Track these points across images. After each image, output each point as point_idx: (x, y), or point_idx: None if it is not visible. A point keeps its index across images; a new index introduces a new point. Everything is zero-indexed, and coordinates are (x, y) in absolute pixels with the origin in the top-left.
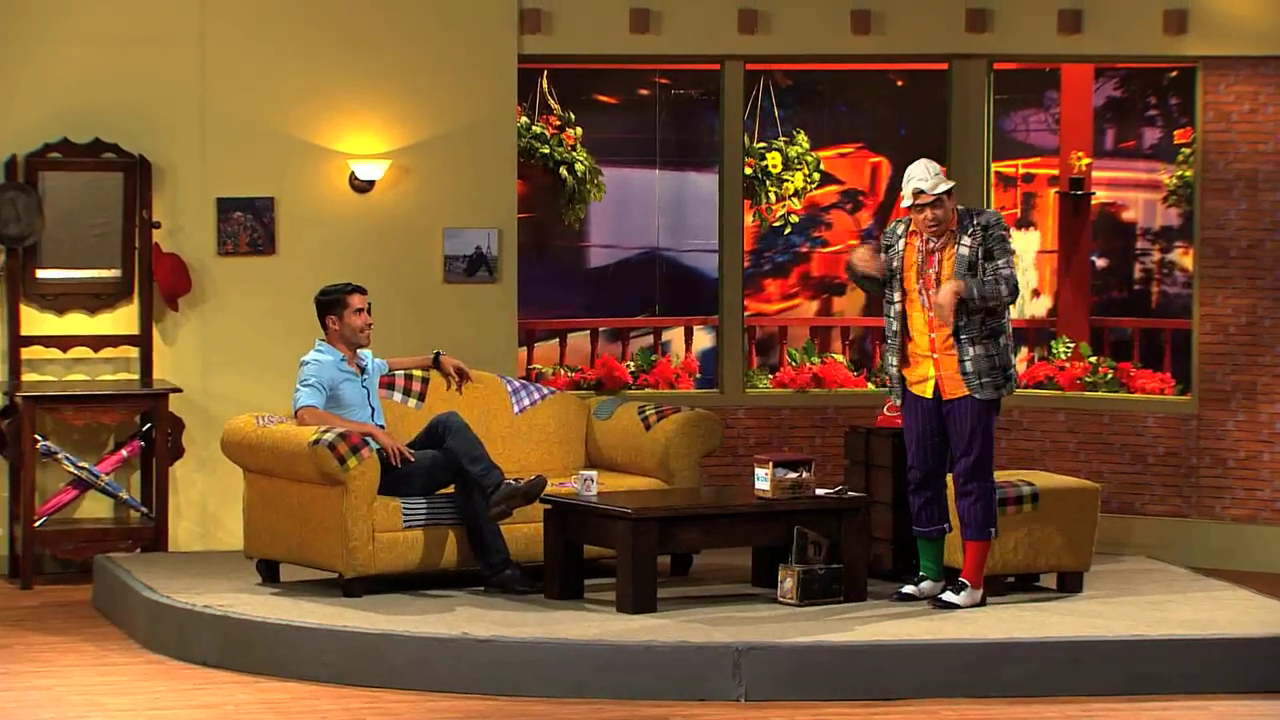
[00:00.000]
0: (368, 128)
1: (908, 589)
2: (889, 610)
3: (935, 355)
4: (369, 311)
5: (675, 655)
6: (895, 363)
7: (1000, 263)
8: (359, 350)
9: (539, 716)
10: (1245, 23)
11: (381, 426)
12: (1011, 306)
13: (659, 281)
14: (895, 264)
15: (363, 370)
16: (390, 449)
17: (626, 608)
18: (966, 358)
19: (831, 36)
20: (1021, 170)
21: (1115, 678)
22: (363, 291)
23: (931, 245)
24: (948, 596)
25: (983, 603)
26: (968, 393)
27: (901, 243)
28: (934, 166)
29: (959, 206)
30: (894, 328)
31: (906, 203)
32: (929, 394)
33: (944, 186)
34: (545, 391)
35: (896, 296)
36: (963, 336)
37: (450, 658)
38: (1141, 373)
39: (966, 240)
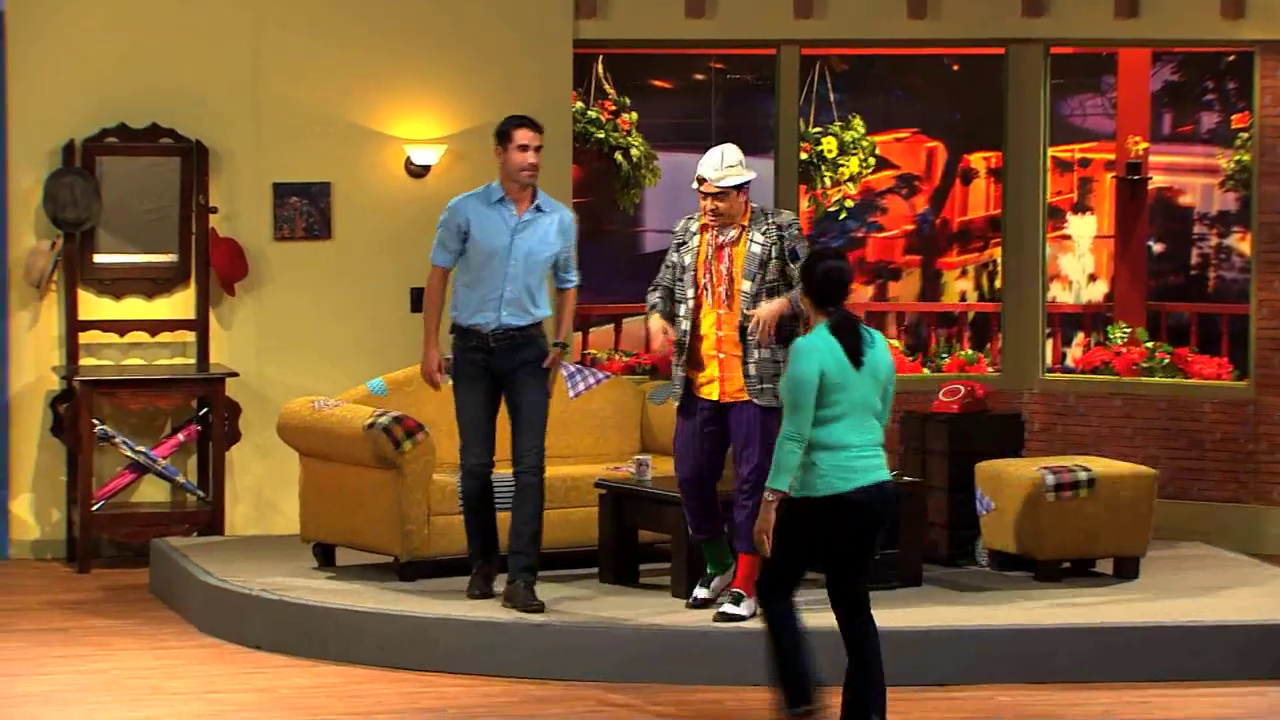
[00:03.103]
0: (424, 113)
1: (700, 592)
2: (943, 596)
3: (721, 355)
4: (536, 153)
5: (729, 640)
6: (681, 361)
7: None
8: (541, 198)
9: (592, 701)
10: None
11: (506, 279)
12: None
13: None
14: (688, 259)
15: (531, 209)
16: (426, 377)
17: (681, 592)
18: (751, 360)
19: (887, 21)
20: (1078, 155)
21: (1170, 664)
22: (535, 128)
23: (722, 240)
24: (729, 609)
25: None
26: (748, 398)
27: (695, 238)
28: (733, 156)
29: (756, 204)
30: (684, 326)
31: (693, 186)
32: (715, 395)
33: (732, 180)
34: (600, 376)
35: (689, 293)
36: (751, 339)
37: (504, 642)
38: (1198, 358)
39: (759, 238)
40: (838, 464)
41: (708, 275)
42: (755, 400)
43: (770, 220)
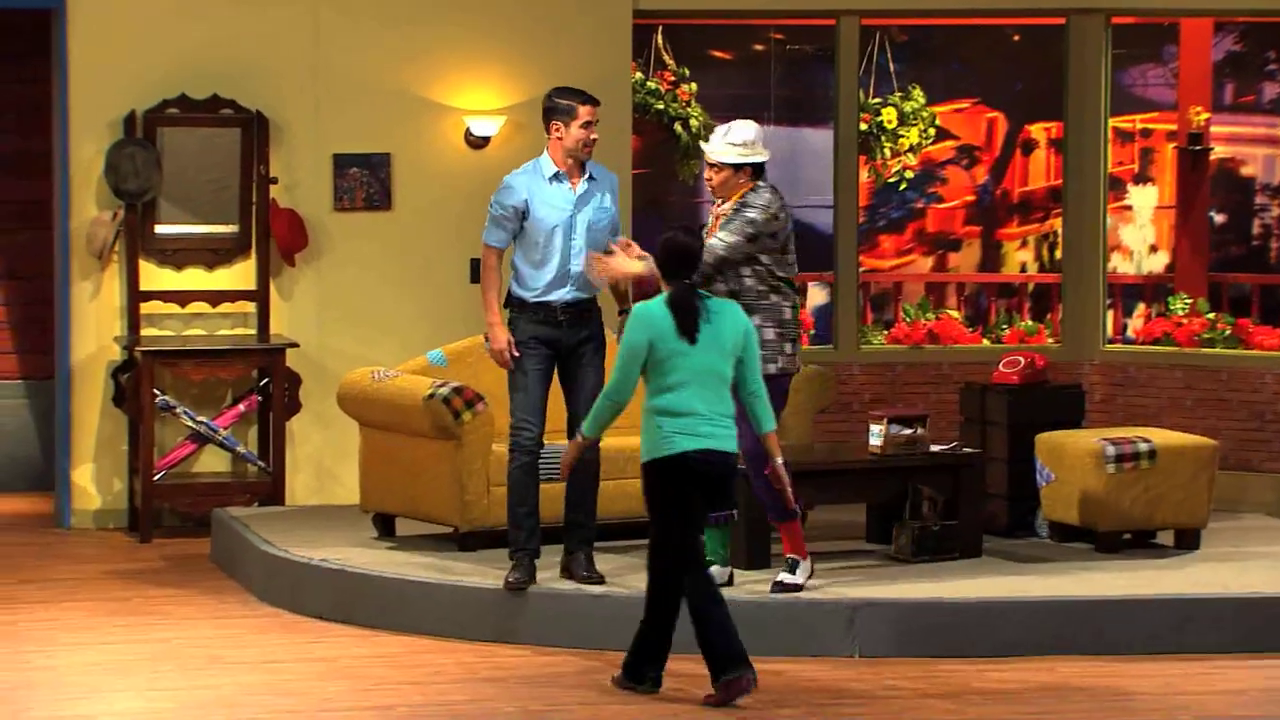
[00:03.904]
0: (483, 84)
1: None
2: (1003, 567)
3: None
4: (594, 129)
5: (789, 611)
6: None
7: (722, 232)
8: (590, 165)
9: None
10: None
11: (572, 254)
12: (719, 279)
13: None
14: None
15: (584, 181)
16: (498, 356)
17: (740, 563)
18: None
19: None
20: (1139, 126)
21: (1231, 635)
22: (596, 103)
23: (718, 212)
24: (785, 578)
25: (812, 573)
26: None
27: (716, 203)
28: (740, 134)
29: (762, 184)
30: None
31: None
32: None
33: (728, 157)
34: None
35: None
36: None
37: (563, 612)
38: (1260, 329)
39: (728, 209)
40: (681, 428)
41: None
42: None
43: (745, 200)
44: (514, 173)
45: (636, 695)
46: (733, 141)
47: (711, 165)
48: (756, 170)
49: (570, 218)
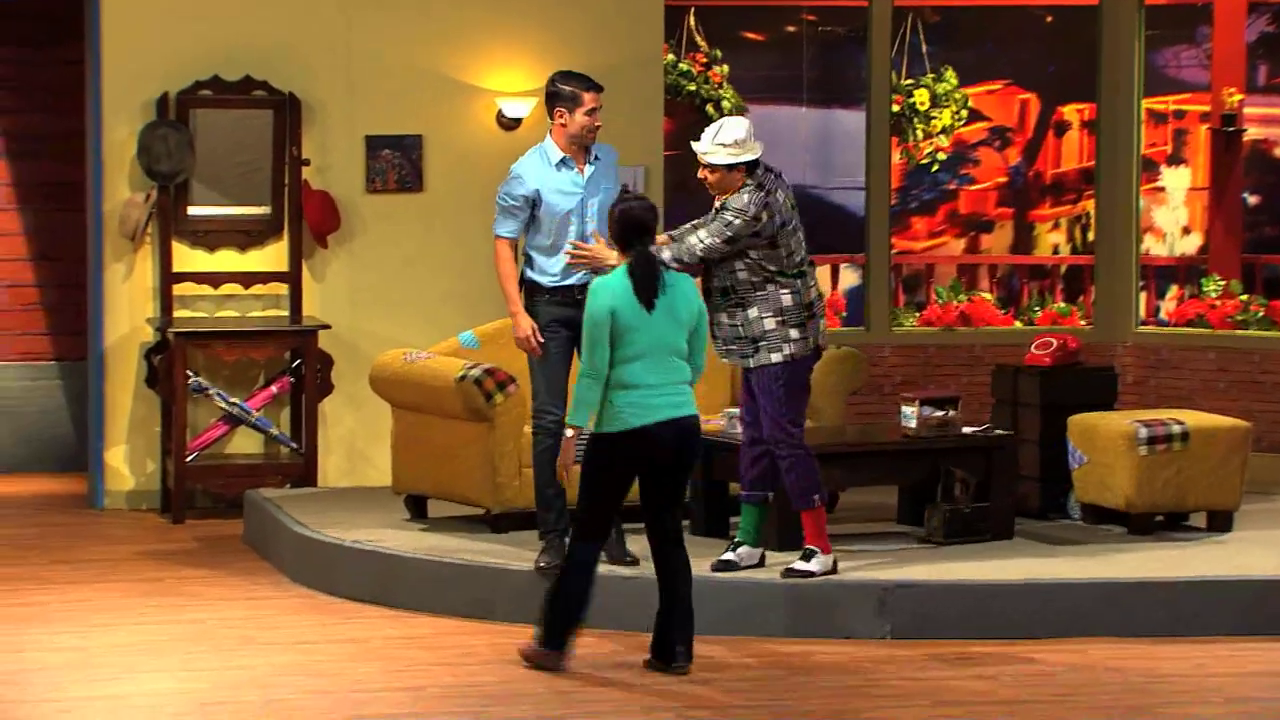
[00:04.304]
0: (515, 65)
1: (727, 555)
2: (1035, 549)
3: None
4: (598, 116)
5: (820, 593)
6: None
7: (702, 231)
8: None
9: None
10: None
11: (585, 237)
12: (698, 276)
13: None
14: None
15: (590, 163)
16: (524, 344)
17: (771, 545)
18: (715, 324)
19: None
20: (1172, 107)
21: (1263, 618)
22: (599, 89)
23: (716, 206)
24: (799, 565)
25: (834, 569)
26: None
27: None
28: (730, 134)
29: (755, 178)
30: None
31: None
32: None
33: (719, 159)
34: None
35: None
36: (710, 301)
37: (596, 593)
38: None
39: (718, 204)
40: (632, 401)
41: None
42: (723, 360)
43: (727, 198)
44: (520, 161)
45: (667, 675)
46: (723, 142)
47: (704, 165)
48: (750, 167)
49: (581, 201)
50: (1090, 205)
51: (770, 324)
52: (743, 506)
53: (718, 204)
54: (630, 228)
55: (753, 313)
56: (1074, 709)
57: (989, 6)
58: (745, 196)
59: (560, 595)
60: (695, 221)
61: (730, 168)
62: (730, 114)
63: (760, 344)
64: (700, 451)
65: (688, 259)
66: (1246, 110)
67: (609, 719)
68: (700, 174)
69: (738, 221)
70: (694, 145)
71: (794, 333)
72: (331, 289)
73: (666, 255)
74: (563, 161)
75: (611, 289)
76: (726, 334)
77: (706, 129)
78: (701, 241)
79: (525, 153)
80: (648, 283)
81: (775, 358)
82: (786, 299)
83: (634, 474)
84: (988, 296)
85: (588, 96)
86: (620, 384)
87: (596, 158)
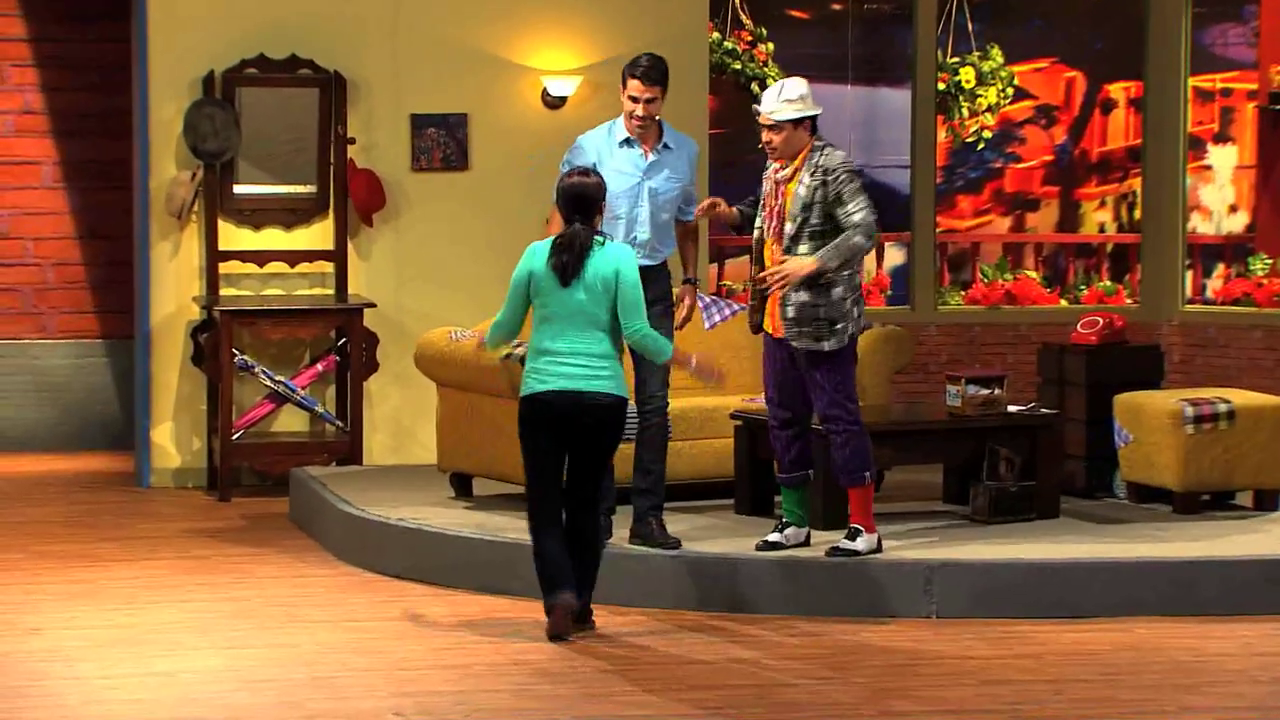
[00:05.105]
0: (560, 44)
1: (772, 536)
2: (1081, 528)
3: (771, 291)
4: (648, 105)
5: (866, 572)
6: (756, 293)
7: (850, 207)
8: (669, 134)
9: (727, 632)
10: None
11: (644, 219)
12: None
13: None
14: (764, 191)
15: (658, 149)
16: None
17: (816, 524)
18: (790, 303)
19: None
20: (1219, 85)
21: None
22: (649, 80)
23: (779, 175)
24: (845, 544)
25: (879, 548)
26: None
27: (772, 168)
28: (794, 90)
29: (821, 143)
30: (756, 256)
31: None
32: (772, 330)
33: (787, 114)
34: (736, 308)
35: (759, 226)
36: (759, 286)
37: (639, 572)
38: None
39: (806, 179)
40: (536, 368)
41: (768, 210)
42: (793, 343)
43: (817, 161)
44: (587, 134)
45: (708, 652)
46: (789, 98)
47: (769, 127)
48: (813, 127)
49: (638, 184)
50: (1137, 183)
51: (849, 305)
52: (783, 490)
53: (778, 175)
54: (570, 201)
55: (837, 293)
56: (1120, 688)
57: None
58: (836, 154)
59: (535, 555)
60: (806, 224)
61: (797, 123)
62: None
63: (837, 325)
64: (613, 430)
65: (869, 234)
66: None
67: (653, 698)
68: (765, 138)
69: (850, 171)
70: (757, 108)
71: (857, 310)
72: (377, 267)
73: (859, 240)
74: (626, 141)
75: (535, 254)
76: (803, 314)
77: (764, 93)
78: (859, 210)
79: (596, 127)
80: (564, 254)
81: (846, 339)
82: (857, 277)
83: (543, 439)
84: (1033, 275)
85: (632, 83)
86: (533, 349)
87: (668, 145)
